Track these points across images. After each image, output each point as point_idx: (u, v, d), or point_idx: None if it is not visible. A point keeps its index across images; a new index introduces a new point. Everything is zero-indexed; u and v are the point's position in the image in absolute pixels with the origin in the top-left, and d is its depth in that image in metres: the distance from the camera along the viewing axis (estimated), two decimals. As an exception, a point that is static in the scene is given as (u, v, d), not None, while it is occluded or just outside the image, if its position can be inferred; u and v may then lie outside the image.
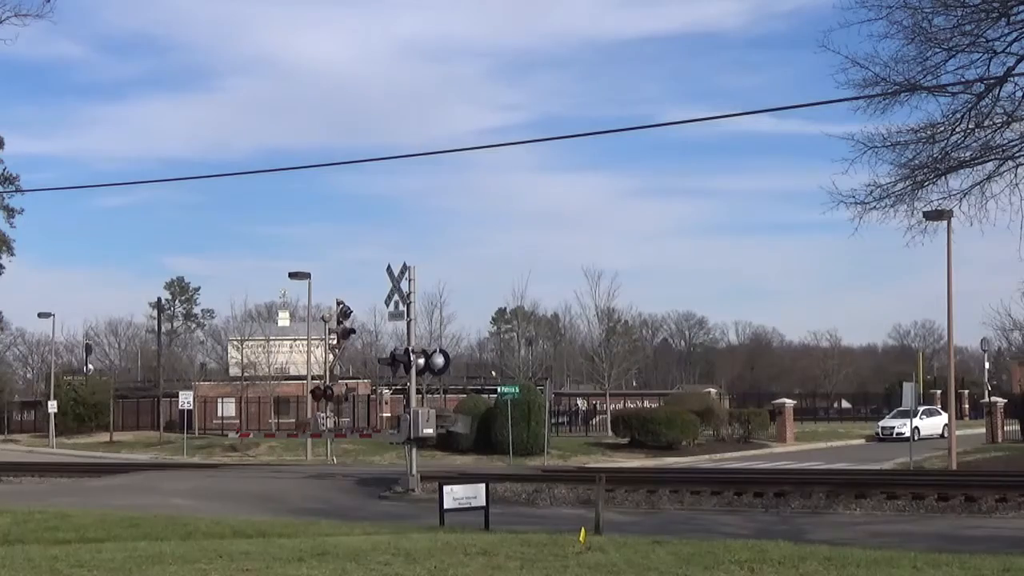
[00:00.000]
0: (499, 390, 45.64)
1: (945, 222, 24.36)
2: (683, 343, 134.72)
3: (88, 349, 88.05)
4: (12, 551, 13.81)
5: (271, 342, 65.17)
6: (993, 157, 19.12)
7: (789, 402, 58.82)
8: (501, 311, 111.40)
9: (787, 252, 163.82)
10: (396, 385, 53.88)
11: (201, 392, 64.27)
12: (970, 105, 18.72)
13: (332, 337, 35.37)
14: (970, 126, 18.84)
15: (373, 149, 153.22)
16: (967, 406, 75.42)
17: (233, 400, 65.10)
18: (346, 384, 45.41)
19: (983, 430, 53.20)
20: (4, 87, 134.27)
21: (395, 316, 28.47)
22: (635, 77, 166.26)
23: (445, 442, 41.87)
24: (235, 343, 67.19)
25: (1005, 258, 37.63)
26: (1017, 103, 18.82)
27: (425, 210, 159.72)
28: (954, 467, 35.69)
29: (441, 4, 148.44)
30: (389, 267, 28.20)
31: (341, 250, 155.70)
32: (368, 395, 60.44)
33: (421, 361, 27.87)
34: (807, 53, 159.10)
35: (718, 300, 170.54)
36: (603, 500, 18.07)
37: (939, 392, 68.83)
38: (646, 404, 65.59)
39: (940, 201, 20.03)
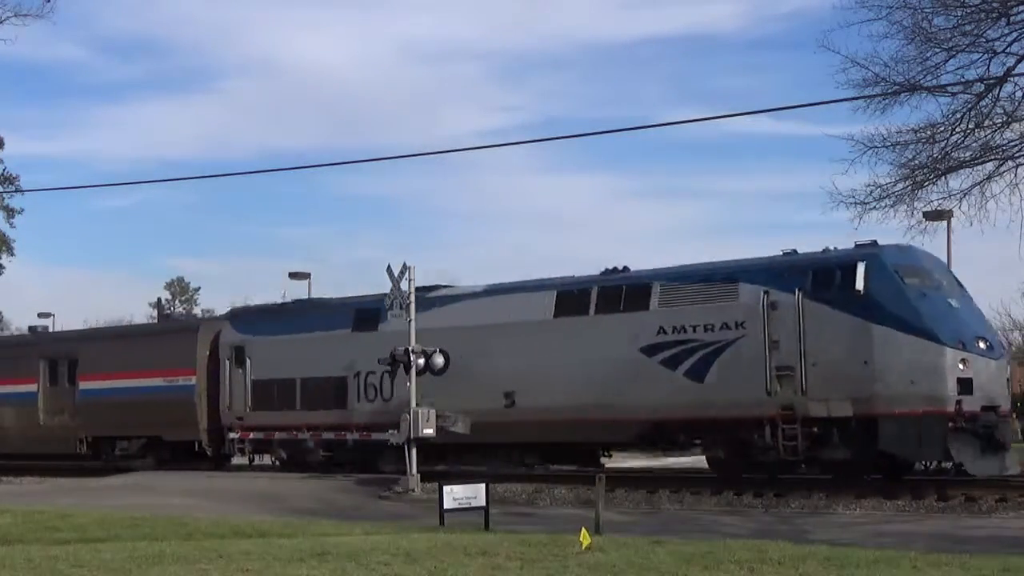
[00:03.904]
0: (499, 390, 45.51)
1: (945, 222, 24.39)
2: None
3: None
4: (12, 551, 13.81)
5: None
6: (993, 157, 19.15)
7: (789, 402, 58.63)
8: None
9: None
10: (396, 385, 53.71)
11: (201, 392, 64.05)
12: (970, 105, 18.75)
13: (332, 337, 35.31)
14: (970, 126, 18.87)
15: (373, 149, 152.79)
16: (967, 406, 75.28)
17: (233, 400, 64.84)
18: (346, 384, 45.28)
19: (983, 430, 53.05)
20: (5, 88, 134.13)
21: (395, 316, 28.42)
22: (635, 78, 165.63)
23: (445, 442, 41.81)
24: (235, 343, 66.89)
25: (1005, 258, 37.61)
26: (1017, 103, 18.86)
27: (425, 210, 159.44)
28: (954, 467, 35.60)
29: (441, 5, 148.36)
30: (389, 267, 28.15)
31: (341, 250, 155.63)
32: (368, 395, 60.30)
33: (421, 361, 27.85)
34: (807, 54, 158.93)
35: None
36: (603, 500, 18.06)
37: (939, 392, 68.66)
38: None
39: (940, 201, 20.08)
